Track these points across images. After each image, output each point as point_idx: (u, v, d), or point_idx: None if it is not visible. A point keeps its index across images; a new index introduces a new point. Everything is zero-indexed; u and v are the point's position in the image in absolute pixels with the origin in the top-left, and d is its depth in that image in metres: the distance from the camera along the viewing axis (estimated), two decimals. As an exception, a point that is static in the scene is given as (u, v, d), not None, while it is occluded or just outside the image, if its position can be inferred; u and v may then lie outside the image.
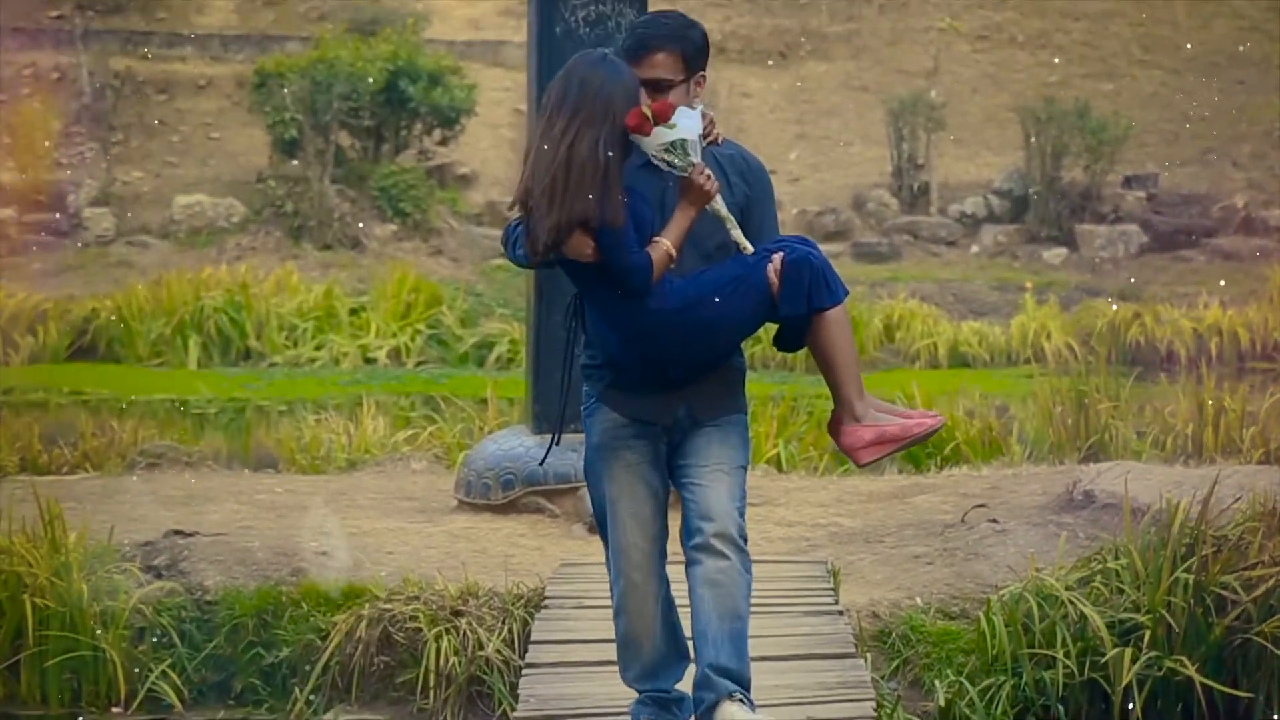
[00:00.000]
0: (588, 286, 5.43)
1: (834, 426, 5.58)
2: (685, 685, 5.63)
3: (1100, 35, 30.34)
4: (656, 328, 5.36)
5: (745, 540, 5.51)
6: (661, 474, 5.57)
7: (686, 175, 5.31)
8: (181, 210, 24.07)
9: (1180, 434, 11.21)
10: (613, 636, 7.13)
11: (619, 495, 5.54)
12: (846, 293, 5.48)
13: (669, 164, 5.29)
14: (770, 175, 5.70)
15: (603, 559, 8.50)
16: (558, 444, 5.96)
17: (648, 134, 5.26)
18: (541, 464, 9.01)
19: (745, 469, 5.60)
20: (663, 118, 5.27)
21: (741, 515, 5.52)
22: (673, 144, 5.27)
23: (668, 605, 5.62)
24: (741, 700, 5.42)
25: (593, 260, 5.28)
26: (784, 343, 5.59)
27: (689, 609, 5.50)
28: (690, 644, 5.62)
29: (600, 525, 5.65)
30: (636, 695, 5.71)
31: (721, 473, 5.50)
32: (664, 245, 5.32)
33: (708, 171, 5.34)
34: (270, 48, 27.26)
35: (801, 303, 5.38)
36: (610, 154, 5.22)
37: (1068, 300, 22.37)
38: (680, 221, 5.36)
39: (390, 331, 20.56)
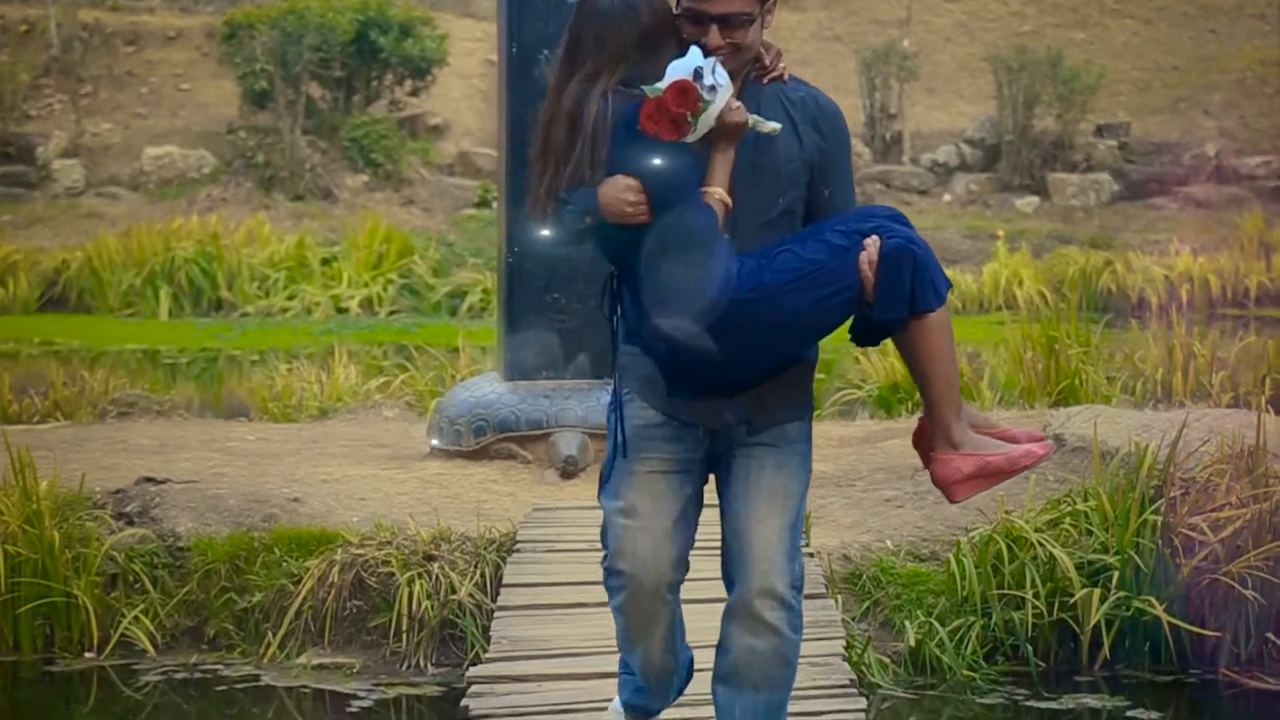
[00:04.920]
0: (635, 260, 4.47)
1: (918, 440, 4.70)
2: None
3: (1072, -16, 30.33)
4: (719, 319, 4.41)
5: (800, 589, 4.67)
6: (695, 484, 4.66)
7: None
8: (151, 161, 24.00)
9: (1150, 379, 11.26)
10: (583, 579, 7.19)
11: (634, 504, 4.59)
12: (950, 286, 4.54)
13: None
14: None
15: (573, 504, 8.56)
16: (626, 455, 4.64)
17: (688, 133, 4.36)
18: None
19: (804, 495, 4.69)
20: (691, 105, 4.34)
21: (794, 559, 4.64)
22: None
23: (672, 630, 4.78)
24: None
25: (639, 218, 4.37)
26: (863, 337, 4.60)
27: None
28: (692, 650, 5.01)
29: (603, 534, 4.72)
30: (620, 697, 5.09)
31: (775, 507, 4.60)
32: (716, 193, 4.42)
33: (735, 104, 4.43)
34: (240, -2, 27.15)
35: (903, 305, 4.43)
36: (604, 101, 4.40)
37: (1039, 248, 22.45)
38: (723, 165, 4.44)
39: (362, 281, 20.56)
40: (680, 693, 5.00)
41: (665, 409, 4.57)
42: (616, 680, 5.15)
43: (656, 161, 4.35)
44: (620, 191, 4.35)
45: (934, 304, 4.45)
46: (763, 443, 4.61)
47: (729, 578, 4.69)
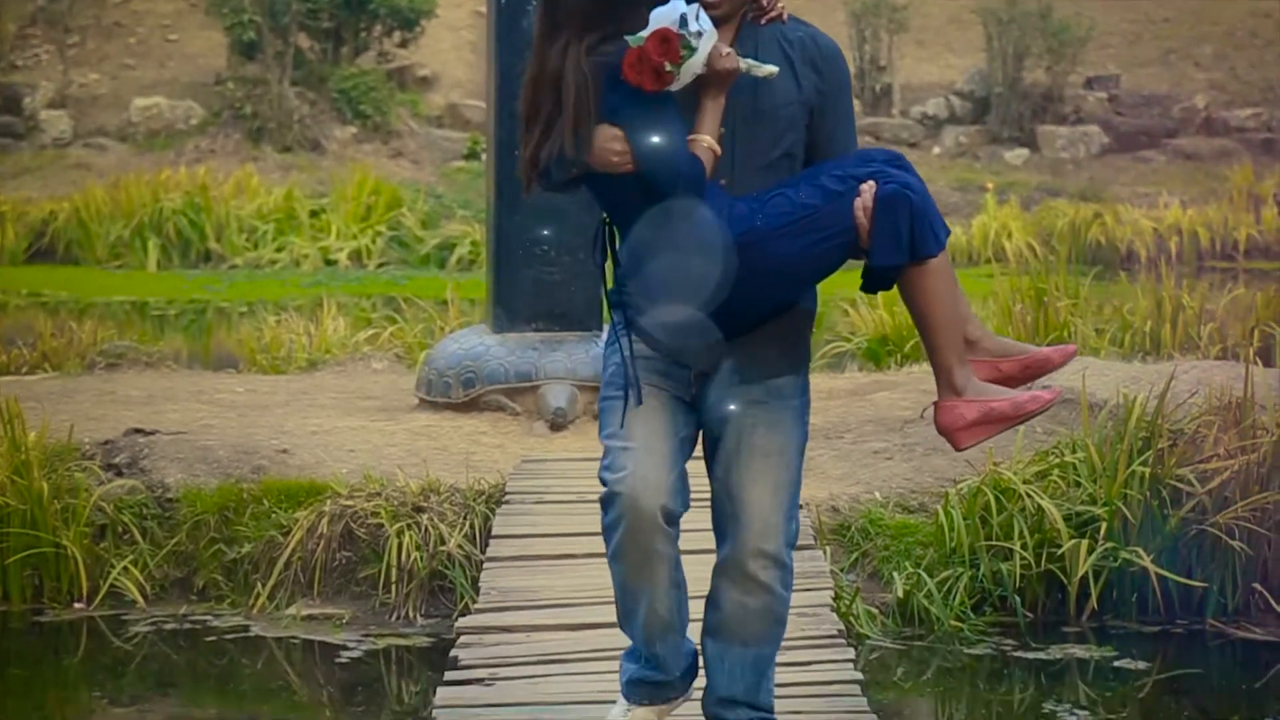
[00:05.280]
0: (627, 205, 4.42)
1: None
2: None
3: (1063, -65, 30.25)
4: (711, 264, 4.32)
5: (793, 545, 4.59)
6: (687, 422, 4.52)
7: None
8: (139, 112, 23.91)
9: (1138, 331, 11.28)
10: (572, 530, 7.20)
11: (629, 428, 4.44)
12: (949, 233, 4.42)
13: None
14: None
15: (561, 455, 8.57)
16: (639, 403, 4.49)
17: (671, 82, 4.28)
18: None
19: (801, 451, 4.58)
20: (673, 55, 4.24)
21: (791, 518, 4.57)
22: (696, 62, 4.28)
23: (675, 585, 4.58)
24: None
25: (625, 168, 4.33)
26: (872, 285, 4.47)
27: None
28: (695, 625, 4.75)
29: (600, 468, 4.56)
30: (624, 669, 4.79)
31: (768, 466, 4.51)
32: (705, 141, 4.34)
33: (725, 49, 4.34)
34: (227, -52, 26.99)
35: (901, 251, 4.32)
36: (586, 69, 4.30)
37: (1029, 200, 22.44)
38: (713, 113, 4.36)
39: (351, 233, 20.52)
40: (687, 680, 4.76)
41: (657, 347, 4.46)
42: (605, 631, 5.12)
43: (638, 111, 4.27)
44: (605, 141, 4.29)
45: (933, 250, 4.34)
46: (754, 399, 4.50)
47: (720, 532, 4.62)
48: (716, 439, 4.55)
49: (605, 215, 4.54)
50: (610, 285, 4.59)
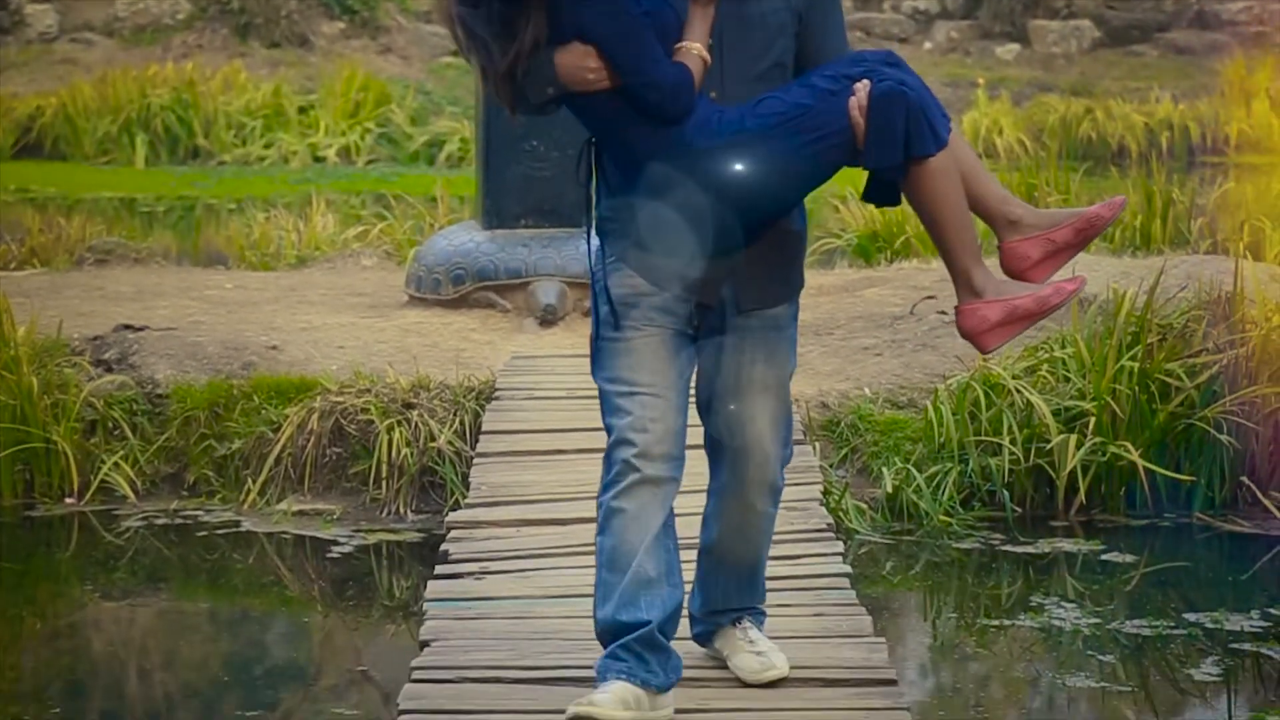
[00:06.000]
0: (610, 123, 4.29)
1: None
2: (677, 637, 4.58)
3: None
4: (702, 171, 4.22)
5: (787, 464, 4.60)
6: (690, 358, 4.43)
7: None
8: (126, 7, 23.72)
9: (1129, 226, 11.26)
10: (561, 426, 7.22)
11: (636, 369, 4.32)
12: (950, 130, 4.26)
13: None
14: None
15: (551, 352, 8.57)
16: (616, 326, 4.40)
17: None
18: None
19: (791, 376, 4.57)
20: None
21: (787, 442, 4.56)
22: None
23: (667, 524, 4.47)
24: (747, 624, 4.70)
25: (602, 84, 4.21)
26: (877, 196, 4.39)
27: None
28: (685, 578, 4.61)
29: (605, 414, 4.43)
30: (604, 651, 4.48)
31: (768, 399, 4.47)
32: (694, 49, 4.22)
33: None
34: None
35: (895, 151, 4.18)
36: None
37: (1020, 96, 22.33)
38: (702, 20, 4.25)
39: (340, 130, 20.41)
40: (673, 660, 4.47)
41: (653, 279, 4.32)
42: (594, 525, 5.04)
43: (609, 26, 4.16)
44: (579, 59, 4.17)
45: (930, 149, 4.19)
46: (753, 331, 4.44)
47: (716, 458, 4.59)
48: (714, 371, 4.49)
49: (591, 136, 4.43)
50: (596, 211, 4.46)
